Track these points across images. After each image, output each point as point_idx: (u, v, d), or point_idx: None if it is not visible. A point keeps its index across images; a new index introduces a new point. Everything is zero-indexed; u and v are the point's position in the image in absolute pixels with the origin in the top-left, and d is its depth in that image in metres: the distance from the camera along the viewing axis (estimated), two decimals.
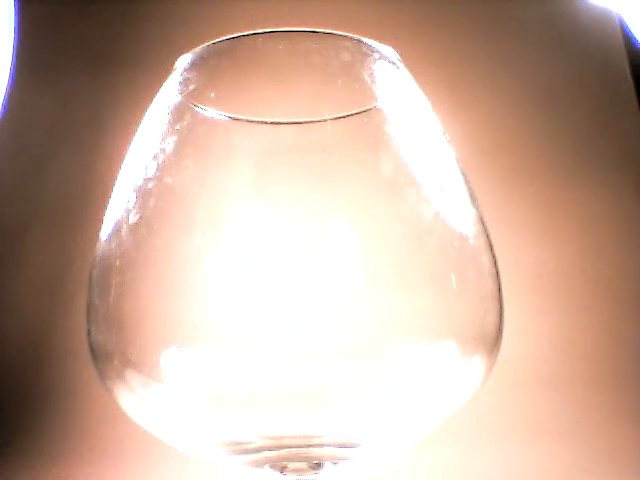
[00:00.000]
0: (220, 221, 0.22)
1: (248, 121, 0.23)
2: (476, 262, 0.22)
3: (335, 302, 0.20)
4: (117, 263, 0.22)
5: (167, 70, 0.25)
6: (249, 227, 0.21)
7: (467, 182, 0.23)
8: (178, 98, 0.24)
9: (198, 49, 0.24)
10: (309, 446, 0.21)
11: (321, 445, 0.21)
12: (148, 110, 0.24)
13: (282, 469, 0.22)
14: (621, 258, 0.51)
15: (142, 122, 0.24)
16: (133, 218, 0.22)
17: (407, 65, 0.25)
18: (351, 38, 0.23)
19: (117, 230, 0.22)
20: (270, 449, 0.21)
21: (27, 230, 0.54)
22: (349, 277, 0.20)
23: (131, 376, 0.21)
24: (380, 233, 0.21)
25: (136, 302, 0.21)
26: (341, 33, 0.23)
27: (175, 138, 0.23)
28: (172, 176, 0.22)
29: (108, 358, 0.21)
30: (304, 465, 0.21)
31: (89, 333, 0.22)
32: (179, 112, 0.23)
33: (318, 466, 0.22)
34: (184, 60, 0.24)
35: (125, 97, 0.54)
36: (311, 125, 0.22)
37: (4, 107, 0.56)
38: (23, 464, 0.47)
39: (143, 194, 0.22)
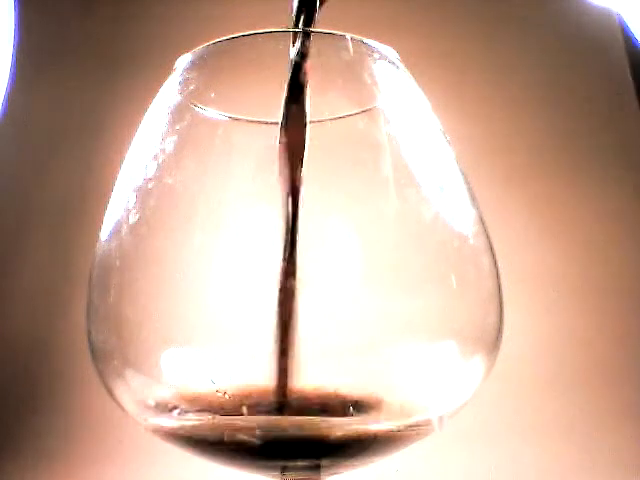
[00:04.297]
0: (220, 221, 0.22)
1: (248, 121, 0.23)
2: (476, 262, 0.22)
3: (335, 302, 0.20)
4: (117, 263, 0.22)
5: (167, 70, 0.25)
6: (249, 227, 0.21)
7: (467, 182, 0.23)
8: (178, 98, 0.24)
9: (198, 49, 0.24)
10: (309, 446, 0.21)
11: (322, 445, 0.21)
12: (148, 110, 0.24)
13: (282, 469, 0.22)
14: (621, 257, 0.51)
15: (142, 122, 0.24)
16: (133, 218, 0.22)
17: (407, 65, 0.25)
18: (351, 38, 0.23)
19: (117, 230, 0.22)
20: (270, 448, 0.21)
21: (27, 230, 0.54)
22: (349, 277, 0.20)
23: (131, 376, 0.21)
24: (380, 233, 0.21)
25: (136, 302, 0.21)
26: (341, 33, 0.23)
27: (175, 138, 0.23)
28: (172, 176, 0.22)
29: (108, 358, 0.21)
30: (304, 465, 0.21)
31: (89, 333, 0.22)
32: (179, 112, 0.23)
33: (318, 466, 0.22)
34: (184, 60, 0.24)
35: (125, 97, 0.54)
36: (311, 125, 0.22)
37: (4, 107, 0.56)
38: (23, 465, 0.47)
39: (143, 194, 0.22)
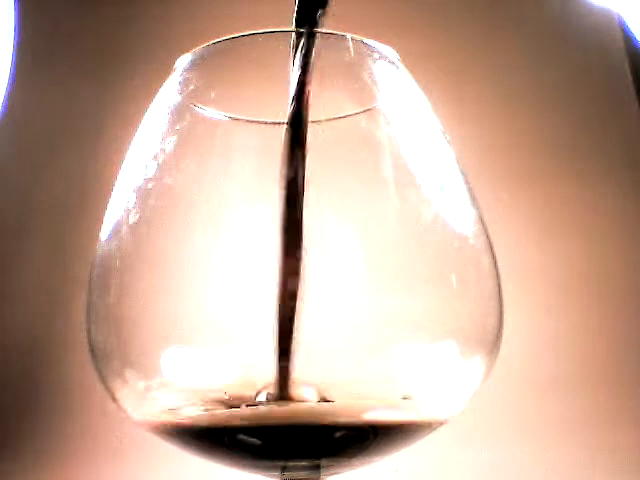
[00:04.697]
0: (220, 221, 0.22)
1: (248, 121, 0.23)
2: (476, 262, 0.22)
3: (335, 302, 0.20)
4: (117, 263, 0.22)
5: (167, 70, 0.25)
6: (249, 227, 0.21)
7: (467, 182, 0.23)
8: (178, 98, 0.24)
9: (198, 49, 0.24)
10: (310, 445, 0.21)
11: (322, 444, 0.21)
12: (148, 110, 0.24)
13: (282, 469, 0.22)
14: (622, 257, 0.51)
15: (142, 122, 0.24)
16: (133, 218, 0.22)
17: (407, 65, 0.25)
18: (351, 38, 0.23)
19: (117, 230, 0.22)
20: (271, 448, 0.21)
21: (27, 230, 0.54)
22: (349, 277, 0.20)
23: (131, 376, 0.21)
24: (380, 233, 0.21)
25: (136, 302, 0.21)
26: (341, 33, 0.23)
27: (175, 138, 0.23)
28: (172, 176, 0.22)
29: (108, 358, 0.21)
30: (304, 465, 0.21)
31: (89, 333, 0.22)
32: (179, 112, 0.23)
33: (318, 466, 0.22)
34: (184, 60, 0.24)
35: (125, 97, 0.54)
36: (311, 125, 0.22)
37: (4, 107, 0.55)
38: (22, 464, 0.47)
39: (143, 194, 0.22)
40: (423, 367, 0.21)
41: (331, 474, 0.22)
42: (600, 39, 0.57)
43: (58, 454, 0.47)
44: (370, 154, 0.22)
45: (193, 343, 0.21)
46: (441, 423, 0.22)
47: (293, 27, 0.23)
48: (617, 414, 0.47)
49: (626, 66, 0.56)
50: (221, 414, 0.21)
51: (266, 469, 0.22)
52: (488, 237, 0.23)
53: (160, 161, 0.22)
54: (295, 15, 0.23)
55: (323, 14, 0.23)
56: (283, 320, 0.20)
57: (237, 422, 0.20)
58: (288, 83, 0.22)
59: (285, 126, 0.22)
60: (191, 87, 0.24)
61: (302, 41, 0.22)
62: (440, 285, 0.21)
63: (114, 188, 0.24)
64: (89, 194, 0.52)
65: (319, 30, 0.23)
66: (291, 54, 0.23)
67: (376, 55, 0.24)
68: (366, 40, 0.24)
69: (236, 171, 0.22)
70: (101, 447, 0.47)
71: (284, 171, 0.21)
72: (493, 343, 0.22)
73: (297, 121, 0.22)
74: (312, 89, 0.23)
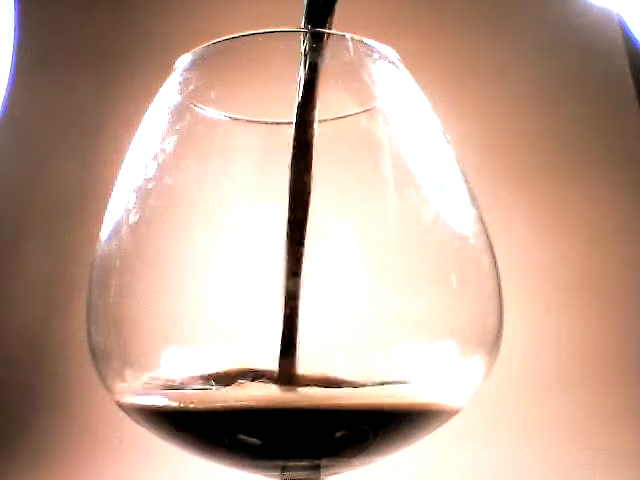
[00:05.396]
0: (220, 221, 0.22)
1: (248, 121, 0.23)
2: (476, 262, 0.22)
3: (335, 302, 0.20)
4: (117, 263, 0.22)
5: (167, 70, 0.25)
6: (249, 227, 0.21)
7: (467, 182, 0.23)
8: (178, 98, 0.24)
9: (198, 49, 0.24)
10: (310, 445, 0.21)
11: (322, 445, 0.21)
12: (148, 110, 0.24)
13: (282, 469, 0.22)
14: (622, 257, 0.51)
15: (142, 122, 0.24)
16: (133, 218, 0.22)
17: (407, 64, 0.25)
18: (351, 38, 0.23)
19: (117, 230, 0.22)
20: (271, 449, 0.21)
21: (27, 230, 0.54)
22: (348, 277, 0.20)
23: (131, 376, 0.21)
24: (380, 233, 0.21)
25: (136, 302, 0.21)
26: (341, 33, 0.23)
27: (175, 138, 0.23)
28: (172, 176, 0.22)
29: (108, 358, 0.21)
30: (304, 465, 0.21)
31: (89, 333, 0.22)
32: (179, 112, 0.23)
33: (318, 466, 0.22)
34: (184, 60, 0.24)
35: (125, 97, 0.54)
36: None
37: (4, 107, 0.56)
38: (21, 466, 0.47)
39: (143, 194, 0.22)
40: (423, 367, 0.21)
41: (331, 474, 0.22)
42: (600, 39, 0.57)
43: (58, 454, 0.47)
44: (370, 154, 0.22)
45: (193, 343, 0.21)
46: (441, 423, 0.22)
47: (296, 27, 0.23)
48: (617, 414, 0.47)
49: (626, 66, 0.56)
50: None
51: (266, 469, 0.22)
52: (488, 237, 0.23)
53: (160, 161, 0.22)
54: (305, 15, 0.23)
55: (332, 14, 0.23)
56: (287, 317, 0.20)
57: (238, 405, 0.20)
58: (294, 83, 0.22)
59: (293, 126, 0.22)
60: (191, 87, 0.24)
61: (310, 41, 0.22)
62: (440, 285, 0.21)
63: (114, 188, 0.24)
64: (89, 194, 0.52)
65: (320, 30, 0.23)
66: (302, 54, 0.22)
67: (376, 55, 0.24)
68: (366, 40, 0.24)
69: (236, 171, 0.22)
70: (101, 447, 0.47)
71: (291, 172, 0.21)
72: (493, 343, 0.22)
73: (304, 121, 0.22)
74: None
